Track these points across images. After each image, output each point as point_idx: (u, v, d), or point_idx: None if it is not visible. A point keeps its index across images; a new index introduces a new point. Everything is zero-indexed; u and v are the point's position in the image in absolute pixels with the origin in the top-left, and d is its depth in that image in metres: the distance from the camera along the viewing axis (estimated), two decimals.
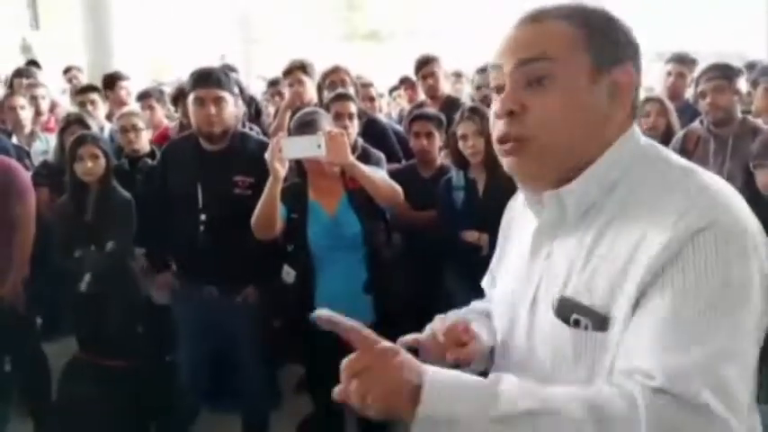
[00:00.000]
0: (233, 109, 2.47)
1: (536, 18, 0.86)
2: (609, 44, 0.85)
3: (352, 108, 2.82)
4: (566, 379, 0.83)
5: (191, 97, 2.43)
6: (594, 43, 0.84)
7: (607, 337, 0.79)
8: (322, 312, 0.76)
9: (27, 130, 3.73)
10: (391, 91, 5.16)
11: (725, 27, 9.47)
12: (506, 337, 0.98)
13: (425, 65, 3.80)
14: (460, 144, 2.60)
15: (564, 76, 0.83)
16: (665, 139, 3.10)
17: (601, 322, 0.80)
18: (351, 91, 3.14)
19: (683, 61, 3.83)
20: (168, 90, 4.36)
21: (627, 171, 0.84)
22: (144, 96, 4.07)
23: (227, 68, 3.96)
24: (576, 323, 0.82)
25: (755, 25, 8.59)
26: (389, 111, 4.68)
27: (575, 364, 0.83)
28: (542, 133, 0.84)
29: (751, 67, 4.09)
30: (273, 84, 4.18)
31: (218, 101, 2.39)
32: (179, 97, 3.28)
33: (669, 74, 3.82)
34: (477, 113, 2.57)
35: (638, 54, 0.88)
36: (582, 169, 0.85)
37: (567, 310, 0.84)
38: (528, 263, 0.94)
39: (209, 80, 2.40)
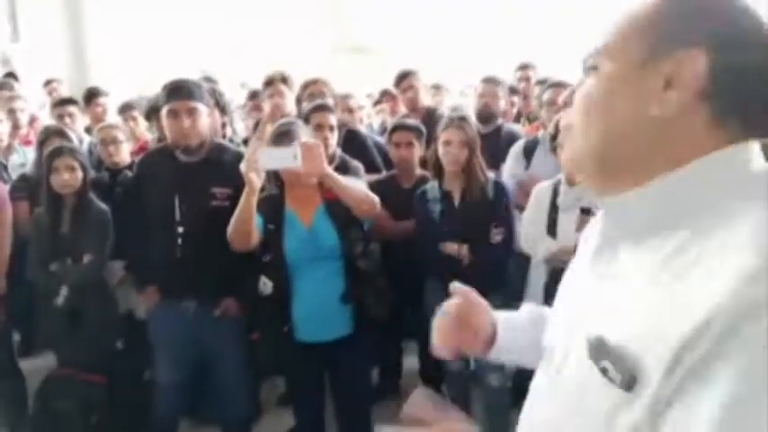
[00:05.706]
0: (207, 120, 2.46)
1: None
2: (676, 21, 0.67)
3: (332, 120, 2.83)
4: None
5: (164, 110, 2.41)
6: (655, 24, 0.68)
7: (633, 398, 0.61)
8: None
9: (4, 143, 3.70)
10: (375, 104, 5.18)
11: None
12: (547, 355, 0.82)
13: (404, 78, 3.92)
14: (441, 149, 2.57)
15: (605, 63, 0.71)
16: None
17: (628, 380, 0.61)
18: (330, 102, 3.15)
19: None
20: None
21: (719, 195, 0.63)
22: (126, 109, 4.06)
23: (207, 80, 3.95)
24: (604, 372, 0.64)
25: None
26: (371, 122, 4.68)
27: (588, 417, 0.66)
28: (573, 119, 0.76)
29: None
30: (253, 97, 4.18)
31: (192, 112, 2.38)
32: (152, 113, 3.25)
33: None
34: (466, 123, 2.58)
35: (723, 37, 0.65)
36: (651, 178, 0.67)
37: (601, 353, 0.65)
38: (582, 278, 0.77)
39: (181, 92, 2.38)
